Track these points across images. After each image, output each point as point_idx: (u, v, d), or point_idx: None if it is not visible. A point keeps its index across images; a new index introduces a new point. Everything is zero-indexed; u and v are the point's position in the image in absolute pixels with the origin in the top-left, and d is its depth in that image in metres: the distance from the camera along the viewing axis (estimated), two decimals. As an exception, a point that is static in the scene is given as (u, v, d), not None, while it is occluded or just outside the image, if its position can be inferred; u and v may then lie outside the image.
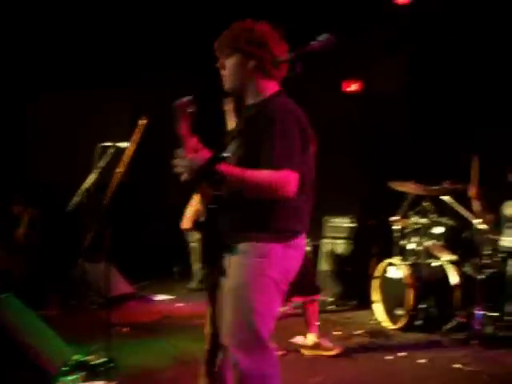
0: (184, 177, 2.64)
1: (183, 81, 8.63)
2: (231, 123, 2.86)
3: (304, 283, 4.44)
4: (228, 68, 2.88)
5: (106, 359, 4.26)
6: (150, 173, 8.40)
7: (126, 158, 4.20)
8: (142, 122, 4.23)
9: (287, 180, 2.61)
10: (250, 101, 2.93)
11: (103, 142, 4.94)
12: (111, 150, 4.90)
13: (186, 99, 2.72)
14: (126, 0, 7.74)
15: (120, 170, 4.17)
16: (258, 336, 2.69)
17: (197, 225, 2.92)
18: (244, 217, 2.73)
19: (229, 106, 2.83)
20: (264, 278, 2.70)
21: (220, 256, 2.79)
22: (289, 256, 2.78)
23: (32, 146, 9.84)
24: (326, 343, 4.97)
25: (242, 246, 2.73)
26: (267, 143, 2.65)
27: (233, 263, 2.75)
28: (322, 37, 2.53)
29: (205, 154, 2.67)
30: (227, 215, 2.77)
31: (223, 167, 2.62)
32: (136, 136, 4.22)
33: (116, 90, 9.14)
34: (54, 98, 9.39)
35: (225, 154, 2.74)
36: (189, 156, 2.64)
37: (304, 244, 2.91)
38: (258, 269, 2.70)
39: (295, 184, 2.63)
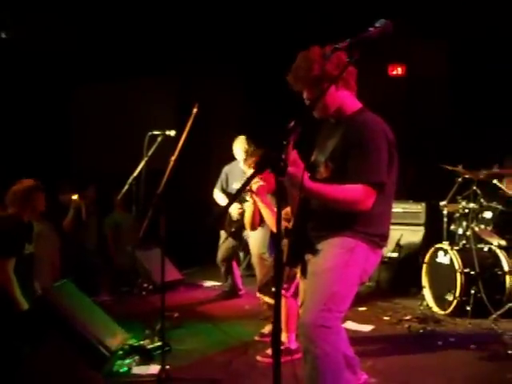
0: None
1: (227, 71, 8.67)
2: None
3: None
4: (320, 99, 2.93)
5: (160, 343, 4.35)
6: (201, 161, 8.47)
7: (178, 145, 4.24)
8: (195, 110, 4.28)
9: (366, 196, 2.83)
10: (335, 117, 3.06)
11: (148, 130, 4.99)
12: (159, 138, 4.96)
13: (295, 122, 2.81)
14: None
15: (174, 157, 4.21)
16: (331, 315, 2.89)
17: (286, 232, 3.09)
18: (335, 221, 2.93)
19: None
20: (345, 268, 2.93)
21: (306, 255, 3.05)
22: (370, 259, 3.02)
23: (77, 136, 9.98)
24: None
25: (331, 239, 2.96)
26: (357, 158, 2.84)
27: (321, 252, 2.98)
28: (380, 22, 2.52)
29: (301, 167, 2.80)
30: (317, 220, 3.00)
31: (308, 184, 2.79)
32: (188, 124, 4.26)
33: (160, 78, 9.19)
34: (98, 87, 9.51)
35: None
36: (290, 170, 2.72)
37: (382, 254, 3.14)
38: (343, 260, 2.93)
39: (372, 199, 2.85)
